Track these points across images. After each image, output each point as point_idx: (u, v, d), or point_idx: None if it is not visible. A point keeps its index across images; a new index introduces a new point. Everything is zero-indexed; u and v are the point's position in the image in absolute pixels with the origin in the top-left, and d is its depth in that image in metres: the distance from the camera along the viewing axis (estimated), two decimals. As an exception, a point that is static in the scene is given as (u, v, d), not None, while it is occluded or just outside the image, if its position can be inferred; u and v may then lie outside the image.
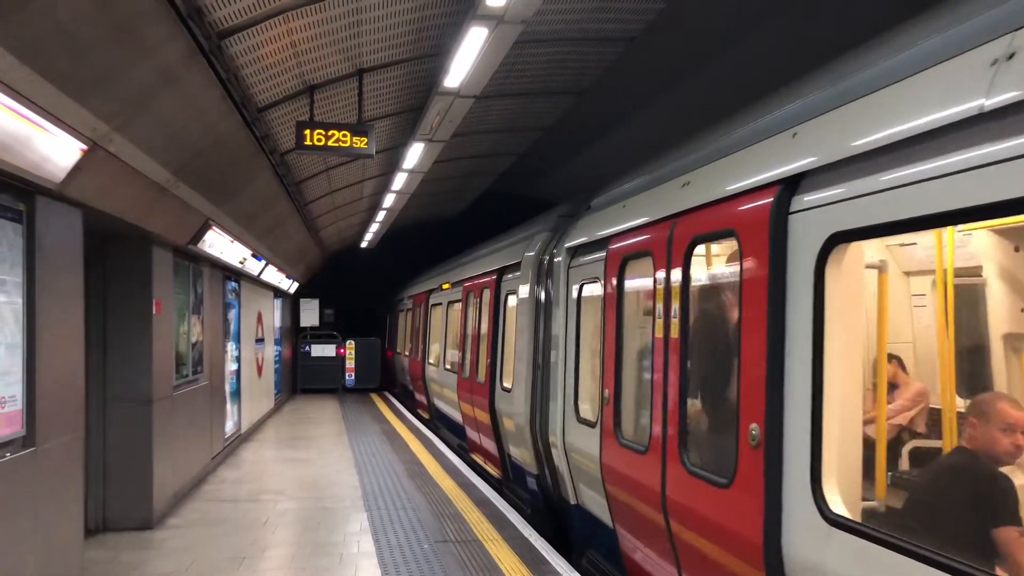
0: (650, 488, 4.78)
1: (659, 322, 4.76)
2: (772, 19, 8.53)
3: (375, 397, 21.79)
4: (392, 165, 12.45)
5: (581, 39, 8.82)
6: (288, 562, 6.49)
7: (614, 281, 5.66)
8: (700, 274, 4.71)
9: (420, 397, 16.86)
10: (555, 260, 7.41)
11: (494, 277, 10.12)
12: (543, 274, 7.95)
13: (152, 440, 7.56)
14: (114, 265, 7.44)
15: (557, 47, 9.01)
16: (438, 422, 14.77)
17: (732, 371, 3.97)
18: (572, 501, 6.74)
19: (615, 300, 5.64)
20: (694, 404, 4.57)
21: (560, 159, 15.89)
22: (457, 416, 12.09)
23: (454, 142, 11.27)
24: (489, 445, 9.96)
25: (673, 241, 4.68)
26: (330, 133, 7.96)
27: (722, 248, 4.58)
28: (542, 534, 7.25)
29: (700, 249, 4.58)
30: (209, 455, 10.32)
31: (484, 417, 9.88)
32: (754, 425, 3.64)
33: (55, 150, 4.68)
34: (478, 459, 10.98)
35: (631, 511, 5.28)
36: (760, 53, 9.04)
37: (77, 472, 5.68)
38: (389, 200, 14.87)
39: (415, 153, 10.71)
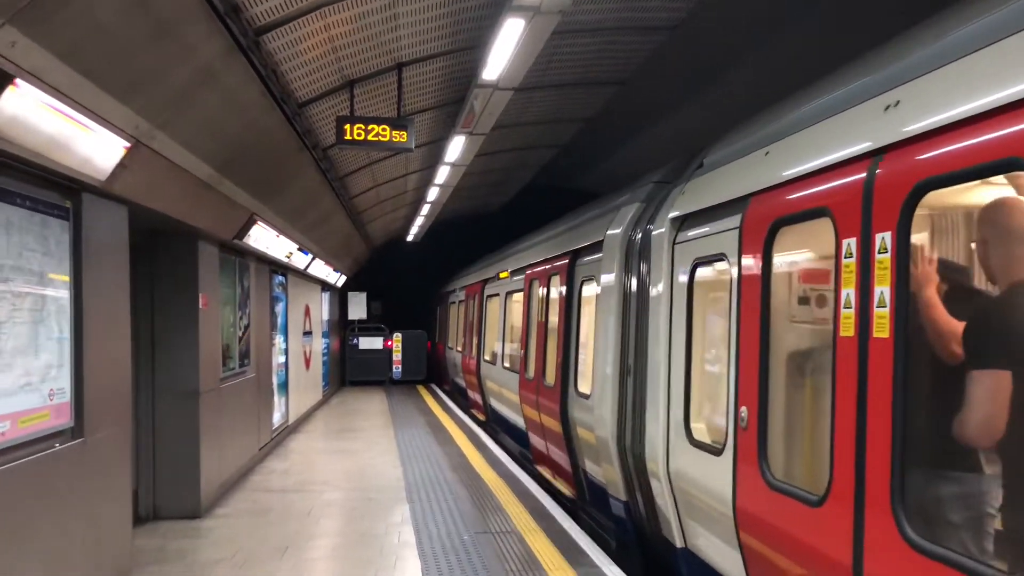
0: (832, 558, 3.37)
1: (847, 314, 3.39)
2: (815, 8, 8.33)
3: (421, 389, 21.96)
4: (434, 159, 12.49)
5: (622, 28, 8.73)
6: (330, 552, 6.58)
7: (756, 257, 4.21)
8: (932, 239, 3.50)
9: (474, 396, 15.87)
10: (652, 235, 5.97)
11: (566, 262, 8.66)
12: (632, 255, 6.53)
13: (199, 431, 7.73)
14: (161, 260, 7.61)
15: (597, 37, 8.93)
16: (496, 425, 13.61)
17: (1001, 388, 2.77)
18: (678, 544, 5.35)
19: (757, 283, 4.18)
20: (915, 441, 3.08)
21: (604, 151, 15.78)
22: (519, 421, 10.83)
23: (495, 135, 11.26)
24: (560, 458, 8.63)
25: (877, 189, 3.21)
26: (370, 127, 7.99)
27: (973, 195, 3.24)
28: (630, 574, 6.26)
29: (934, 198, 3.07)
30: (256, 446, 10.52)
31: (554, 426, 8.59)
32: None
33: (99, 148, 4.79)
34: (545, 473, 9.51)
35: None
36: (806, 41, 8.84)
37: (125, 462, 5.83)
38: (432, 194, 14.94)
39: (456, 146, 10.72)
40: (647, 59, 9.84)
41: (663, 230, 5.62)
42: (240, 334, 9.59)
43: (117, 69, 4.58)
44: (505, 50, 6.89)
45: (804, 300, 4.28)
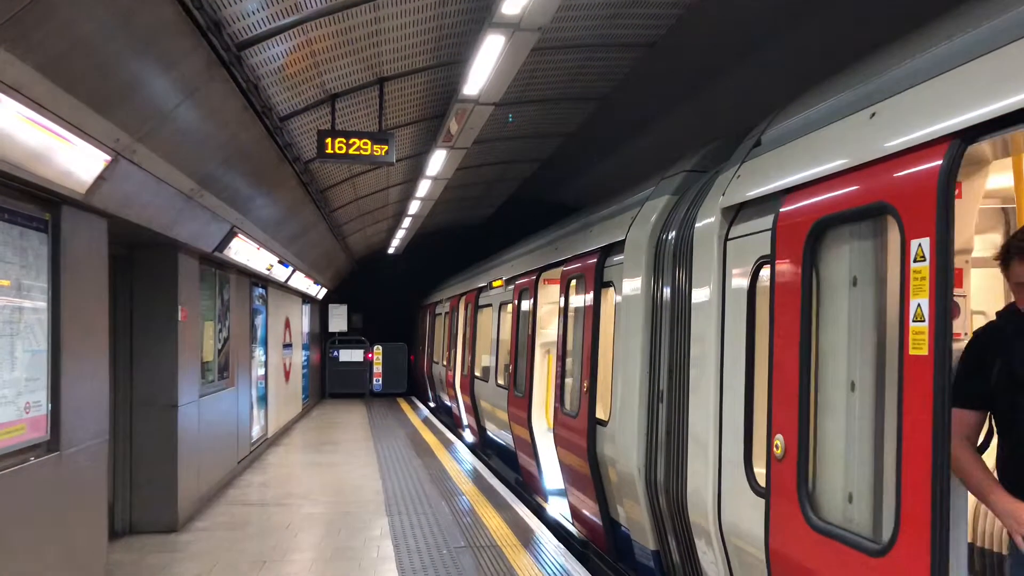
0: None
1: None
2: (793, 27, 8.47)
3: (402, 402, 21.90)
4: (415, 172, 12.54)
5: (599, 45, 8.83)
6: (308, 566, 6.56)
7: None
8: None
9: (467, 419, 14.80)
10: (695, 231, 4.98)
11: (577, 266, 7.63)
12: (664, 256, 5.57)
13: (177, 445, 7.69)
14: (141, 273, 7.59)
15: (576, 53, 9.03)
16: (491, 451, 12.69)
17: None
18: None
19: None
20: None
21: (586, 165, 15.89)
22: (529, 462, 9.53)
23: (476, 149, 11.32)
24: (588, 508, 7.13)
25: None
26: (351, 141, 8.04)
27: None
28: None
29: None
30: (235, 459, 10.46)
31: (577, 464, 7.11)
32: None
33: (79, 161, 4.79)
34: (576, 527, 7.88)
35: None
36: (781, 60, 8.98)
37: (101, 476, 5.80)
38: (414, 207, 14.97)
39: (437, 160, 10.78)
40: (627, 75, 9.95)
41: (711, 222, 4.70)
42: (220, 347, 9.55)
43: (98, 83, 4.60)
44: (486, 66, 6.97)
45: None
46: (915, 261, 2.91)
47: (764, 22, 8.46)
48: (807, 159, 3.83)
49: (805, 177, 3.76)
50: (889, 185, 3.12)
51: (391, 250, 22.29)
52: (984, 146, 3.14)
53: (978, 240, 3.83)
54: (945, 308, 2.80)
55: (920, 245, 2.88)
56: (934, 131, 2.94)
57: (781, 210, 3.88)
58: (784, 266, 3.78)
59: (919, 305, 2.90)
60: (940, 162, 2.85)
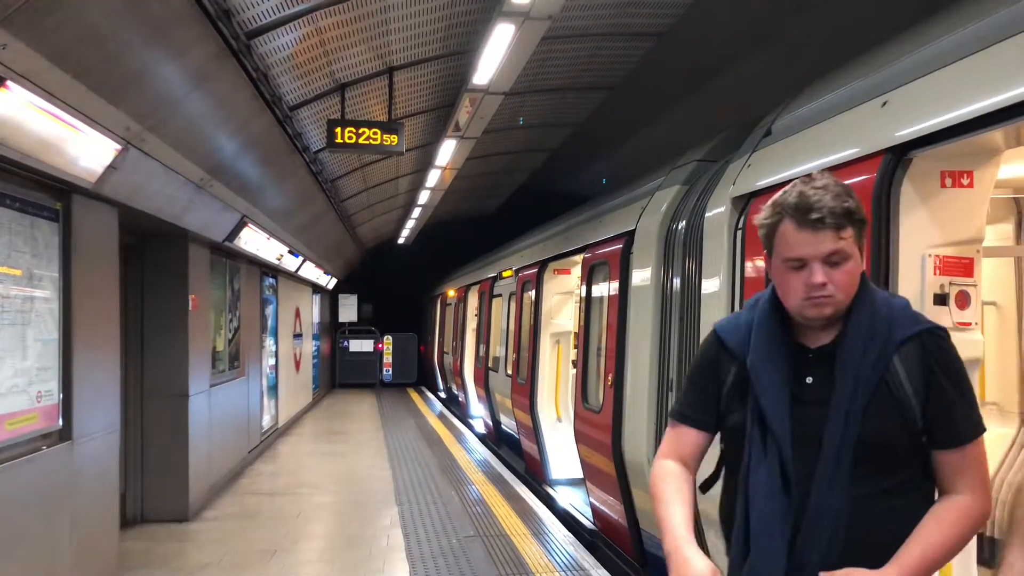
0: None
1: None
2: (801, 17, 8.39)
3: (412, 392, 21.95)
4: (425, 162, 12.52)
5: (610, 34, 8.78)
6: (319, 555, 6.59)
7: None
8: None
9: (478, 409, 14.62)
10: (705, 220, 4.99)
11: (588, 255, 7.64)
12: (673, 246, 5.60)
13: (188, 434, 7.71)
14: (152, 262, 7.60)
15: (586, 42, 8.98)
16: (504, 442, 12.48)
17: None
18: None
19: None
20: None
21: (595, 156, 15.84)
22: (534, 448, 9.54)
23: (487, 138, 11.29)
24: (614, 510, 6.84)
25: None
26: (361, 131, 8.04)
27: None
28: None
29: None
30: (246, 449, 10.50)
31: (602, 464, 6.83)
32: None
33: (89, 150, 4.80)
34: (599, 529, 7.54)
35: None
36: (790, 51, 8.91)
37: (112, 465, 5.82)
38: (424, 197, 14.96)
39: (447, 150, 10.76)
40: (637, 65, 9.90)
41: (721, 211, 4.74)
42: (230, 336, 9.58)
43: (108, 71, 4.59)
44: (495, 55, 6.94)
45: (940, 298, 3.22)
46: None
47: (773, 13, 8.40)
48: (818, 147, 3.84)
49: (816, 166, 3.74)
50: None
51: (401, 240, 22.30)
52: (996, 135, 3.09)
53: (989, 230, 3.79)
54: None
55: None
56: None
57: None
58: None
59: None
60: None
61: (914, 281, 3.20)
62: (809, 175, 1.96)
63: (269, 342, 12.47)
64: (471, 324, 15.80)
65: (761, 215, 1.98)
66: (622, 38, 8.94)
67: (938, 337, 1.93)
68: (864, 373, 1.88)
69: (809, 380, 1.95)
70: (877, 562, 1.82)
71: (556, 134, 14.15)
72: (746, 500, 1.96)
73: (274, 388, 12.89)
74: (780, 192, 1.97)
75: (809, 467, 1.88)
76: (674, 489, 2.08)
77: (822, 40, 8.32)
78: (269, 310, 12.52)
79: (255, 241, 9.66)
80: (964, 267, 3.20)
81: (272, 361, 12.78)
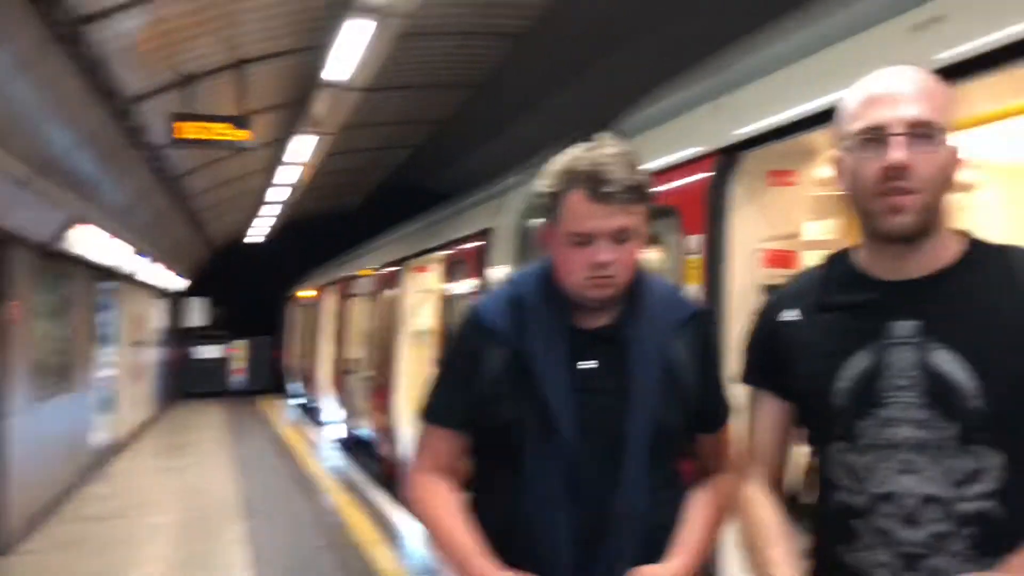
0: None
1: None
2: (662, 22, 8.66)
3: (265, 399, 21.12)
4: (280, 158, 12.07)
5: (470, 33, 8.77)
6: (160, 580, 6.16)
7: None
8: None
9: (335, 414, 13.80)
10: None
11: (450, 252, 7.61)
12: (531, 244, 5.65)
13: (7, 458, 6.98)
14: (-33, 267, 6.88)
15: (446, 40, 8.93)
16: (363, 448, 11.77)
17: None
18: None
19: None
20: None
21: (461, 153, 15.84)
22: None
23: (346, 134, 11.05)
24: None
25: None
26: (210, 126, 7.63)
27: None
28: None
29: None
30: (75, 470, 9.67)
31: None
32: None
33: None
34: None
35: None
36: (650, 55, 9.17)
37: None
38: (280, 194, 14.44)
39: (302, 145, 10.42)
40: (499, 64, 9.93)
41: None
42: (59, 348, 8.83)
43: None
44: (349, 51, 6.76)
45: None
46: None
47: (628, 21, 8.62)
48: (664, 145, 4.01)
49: (661, 164, 3.87)
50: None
51: (258, 239, 21.43)
52: (817, 136, 3.25)
53: (823, 225, 4.06)
54: None
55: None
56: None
57: None
58: None
59: None
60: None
61: (746, 273, 3.43)
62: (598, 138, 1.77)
63: (105, 351, 11.63)
64: (328, 326, 15.39)
65: (545, 180, 1.75)
66: (481, 37, 8.95)
67: (710, 318, 1.87)
68: (653, 357, 1.71)
69: (593, 365, 1.72)
70: (662, 553, 1.69)
71: (419, 131, 14.03)
72: (522, 506, 1.69)
73: (109, 401, 12.00)
74: (565, 154, 1.74)
75: (601, 464, 1.67)
76: (449, 513, 1.77)
77: (675, 44, 8.61)
78: (106, 317, 11.67)
79: (90, 242, 8.95)
80: (788, 260, 3.44)
81: (109, 372, 11.92)
